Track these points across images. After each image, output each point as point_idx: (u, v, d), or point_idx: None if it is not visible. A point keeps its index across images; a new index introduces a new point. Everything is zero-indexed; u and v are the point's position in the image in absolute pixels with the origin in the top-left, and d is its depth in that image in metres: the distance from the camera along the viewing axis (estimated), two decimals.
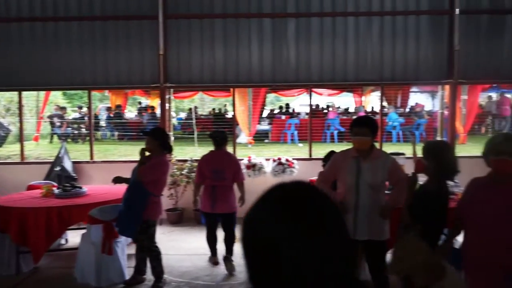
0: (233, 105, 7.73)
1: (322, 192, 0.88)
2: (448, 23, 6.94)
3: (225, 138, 4.79)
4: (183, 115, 19.27)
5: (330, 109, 14.52)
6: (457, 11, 6.85)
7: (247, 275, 0.86)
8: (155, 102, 17.53)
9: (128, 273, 4.34)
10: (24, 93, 7.55)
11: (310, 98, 7.49)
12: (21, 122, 7.47)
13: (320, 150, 9.75)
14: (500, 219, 2.33)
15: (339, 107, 16.33)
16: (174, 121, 15.76)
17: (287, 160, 6.70)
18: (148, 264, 4.23)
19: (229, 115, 16.99)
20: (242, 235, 0.88)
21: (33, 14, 6.97)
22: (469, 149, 10.12)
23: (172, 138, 7.44)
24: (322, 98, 15.66)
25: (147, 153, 4.09)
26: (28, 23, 6.97)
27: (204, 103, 26.34)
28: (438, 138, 7.45)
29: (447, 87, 7.19)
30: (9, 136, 12.76)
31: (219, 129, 6.00)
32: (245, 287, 0.83)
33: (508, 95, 14.76)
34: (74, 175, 6.71)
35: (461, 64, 6.94)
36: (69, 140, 12.85)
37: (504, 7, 6.94)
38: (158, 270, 4.17)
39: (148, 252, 4.13)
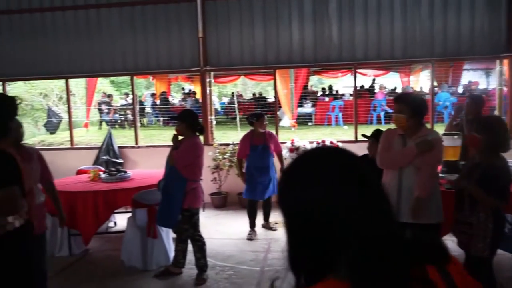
0: (275, 87, 7.55)
1: (351, 153, 0.88)
2: None
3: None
4: (225, 100, 19.34)
5: (377, 90, 13.97)
6: None
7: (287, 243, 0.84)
8: (199, 88, 17.72)
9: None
10: (74, 82, 7.77)
11: (355, 78, 7.17)
12: (69, 109, 7.72)
13: (366, 132, 9.43)
14: None
15: (386, 88, 15.68)
16: (217, 105, 15.84)
17: (331, 142, 6.48)
18: (188, 257, 4.16)
19: (271, 99, 16.84)
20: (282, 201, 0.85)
21: (76, 3, 7.11)
22: None
23: (214, 122, 7.41)
24: (367, 79, 15.13)
25: (180, 138, 3.96)
26: (72, 11, 7.12)
27: (247, 87, 26.30)
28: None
29: (506, 61, 6.62)
30: (61, 123, 13.35)
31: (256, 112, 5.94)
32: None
33: None
34: (120, 160, 6.86)
35: None
36: (116, 126, 13.25)
37: None
38: (202, 262, 4.02)
39: (192, 242, 4.00)
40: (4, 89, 7.47)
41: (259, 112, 5.58)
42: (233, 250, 4.81)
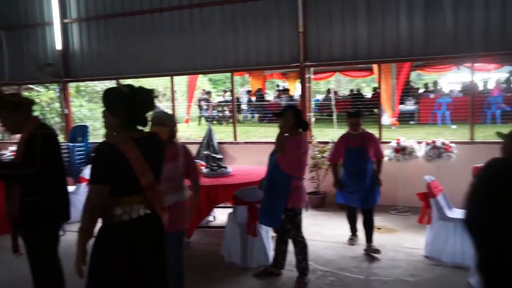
0: (379, 82, 7.11)
1: None
2: None
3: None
4: (319, 97, 19.01)
5: (491, 85, 12.56)
6: None
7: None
8: (292, 85, 17.63)
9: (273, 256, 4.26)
10: (177, 79, 8.12)
11: (472, 73, 6.45)
12: (173, 105, 8.08)
13: (479, 133, 8.46)
14: None
15: (502, 83, 14.11)
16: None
17: (443, 143, 5.87)
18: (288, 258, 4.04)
19: (368, 95, 16.12)
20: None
21: (181, 3, 7.37)
22: None
23: (313, 120, 7.20)
24: (476, 73, 13.70)
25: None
26: (177, 11, 7.40)
27: (340, 84, 25.63)
28: None
29: None
30: None
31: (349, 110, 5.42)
32: None
33: None
34: (219, 155, 6.99)
35: None
36: (214, 122, 13.71)
37: None
38: (303, 265, 3.84)
39: (294, 243, 3.84)
40: None
41: (351, 111, 4.83)
42: (334, 255, 4.56)
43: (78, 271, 2.11)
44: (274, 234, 4.19)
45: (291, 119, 3.70)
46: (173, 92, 8.12)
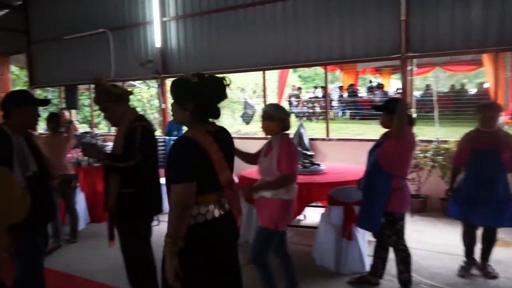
0: (494, 75, 6.26)
1: None
2: None
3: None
4: (416, 93, 17.81)
5: None
6: None
7: None
8: (386, 81, 16.69)
9: (369, 262, 3.90)
10: (267, 75, 8.01)
11: None
12: (264, 101, 8.01)
13: None
14: None
15: None
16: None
17: None
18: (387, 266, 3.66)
19: (472, 91, 14.70)
20: None
21: None
22: None
23: (415, 115, 6.58)
24: None
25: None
26: (270, 5, 7.26)
27: (439, 80, 23.75)
28: None
29: None
30: (255, 115, 14.33)
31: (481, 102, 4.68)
32: None
33: None
34: (310, 152, 6.74)
35: None
36: (304, 118, 13.47)
37: None
38: (405, 277, 3.42)
39: (395, 252, 3.44)
40: None
41: (485, 102, 4.03)
42: (439, 266, 4.06)
43: (172, 283, 1.94)
44: (373, 239, 3.83)
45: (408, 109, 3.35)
46: (264, 87, 8.04)
